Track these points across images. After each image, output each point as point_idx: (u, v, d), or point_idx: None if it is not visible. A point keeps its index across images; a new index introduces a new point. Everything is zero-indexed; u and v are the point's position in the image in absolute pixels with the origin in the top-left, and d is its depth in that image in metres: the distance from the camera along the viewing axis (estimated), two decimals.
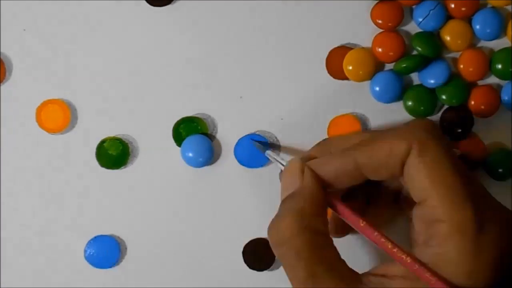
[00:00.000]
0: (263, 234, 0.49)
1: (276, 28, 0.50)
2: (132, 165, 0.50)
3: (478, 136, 0.50)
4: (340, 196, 0.44)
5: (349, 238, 0.48)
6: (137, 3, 0.50)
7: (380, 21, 0.49)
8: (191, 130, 0.50)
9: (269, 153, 0.47)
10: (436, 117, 0.49)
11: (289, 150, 0.50)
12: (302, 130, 0.50)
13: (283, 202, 0.43)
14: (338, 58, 0.50)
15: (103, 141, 0.50)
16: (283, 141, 0.50)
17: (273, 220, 0.42)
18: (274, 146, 0.49)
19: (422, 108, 0.49)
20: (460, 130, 0.49)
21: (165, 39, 0.50)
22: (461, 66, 0.49)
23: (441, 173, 0.40)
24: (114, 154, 0.50)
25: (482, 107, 0.49)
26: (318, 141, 0.48)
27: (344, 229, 0.47)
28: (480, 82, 0.50)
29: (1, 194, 0.50)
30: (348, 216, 0.42)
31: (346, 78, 0.50)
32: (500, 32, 0.49)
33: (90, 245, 0.50)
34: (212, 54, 0.50)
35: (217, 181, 0.50)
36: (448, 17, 0.49)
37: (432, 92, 0.49)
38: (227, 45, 0.50)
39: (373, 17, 0.49)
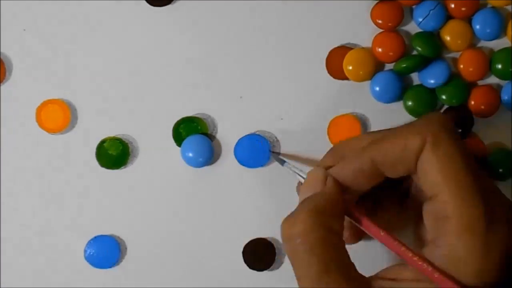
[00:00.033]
0: (263, 234, 0.49)
1: (276, 28, 0.50)
2: (132, 165, 0.50)
3: (478, 136, 0.50)
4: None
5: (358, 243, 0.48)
6: (137, 3, 0.50)
7: (380, 21, 0.49)
8: (191, 130, 0.50)
9: (288, 165, 0.47)
10: None
11: (290, 156, 0.50)
12: (302, 130, 0.50)
13: (302, 201, 0.42)
14: (338, 58, 0.50)
15: (103, 141, 0.50)
16: (283, 141, 0.50)
17: (289, 214, 0.41)
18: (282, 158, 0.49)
19: (422, 108, 0.49)
20: (460, 130, 0.49)
21: (165, 39, 0.50)
22: (461, 66, 0.49)
23: (454, 168, 0.40)
24: (114, 154, 0.50)
25: (482, 107, 0.49)
26: (318, 141, 0.48)
27: (355, 237, 0.47)
28: (480, 82, 0.50)
29: (1, 194, 0.50)
30: (362, 219, 0.42)
31: (346, 78, 0.50)
32: (500, 32, 0.49)
33: (90, 245, 0.50)
34: (212, 54, 0.50)
35: (217, 181, 0.50)
36: (448, 17, 0.49)
37: (432, 92, 0.49)
38: (227, 45, 0.50)
39: (373, 17, 0.49)
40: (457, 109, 0.49)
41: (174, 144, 0.50)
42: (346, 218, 0.45)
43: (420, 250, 0.41)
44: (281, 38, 0.50)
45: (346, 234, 0.46)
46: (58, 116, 0.50)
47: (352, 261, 0.41)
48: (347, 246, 0.41)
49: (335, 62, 0.50)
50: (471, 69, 0.49)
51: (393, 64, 0.49)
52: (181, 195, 0.50)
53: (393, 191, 0.45)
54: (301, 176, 0.45)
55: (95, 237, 0.50)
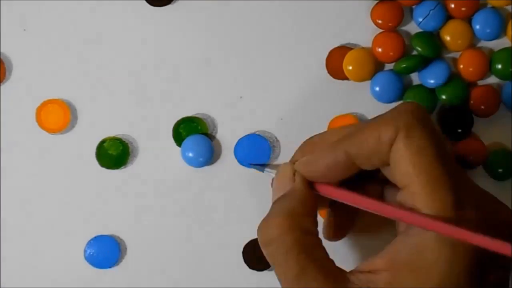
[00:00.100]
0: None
1: (276, 28, 0.50)
2: (132, 165, 0.50)
3: (478, 136, 0.50)
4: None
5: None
6: (137, 3, 0.50)
7: (380, 21, 0.49)
8: (191, 130, 0.50)
9: (267, 170, 0.47)
10: (436, 117, 0.49)
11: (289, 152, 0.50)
12: (302, 130, 0.50)
13: (274, 203, 0.43)
14: (338, 58, 0.50)
15: (103, 141, 0.50)
16: (283, 141, 0.50)
17: (262, 220, 0.42)
18: (271, 166, 0.49)
19: None
20: (460, 130, 0.49)
21: (165, 39, 0.50)
22: (461, 66, 0.49)
23: (424, 159, 0.40)
24: (114, 154, 0.50)
25: (482, 107, 0.49)
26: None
27: (339, 232, 0.47)
28: (480, 82, 0.50)
29: (1, 194, 0.50)
30: (350, 196, 0.42)
31: (346, 78, 0.50)
32: (500, 32, 0.49)
33: (90, 245, 0.50)
34: (212, 54, 0.50)
35: (217, 181, 0.50)
36: (448, 17, 0.49)
37: (432, 92, 0.49)
38: (227, 45, 0.50)
39: (373, 17, 0.49)
40: (457, 109, 0.49)
41: (174, 144, 0.50)
42: (329, 215, 0.45)
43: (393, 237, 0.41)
44: (281, 38, 0.50)
45: (329, 231, 0.47)
46: (58, 116, 0.50)
47: (336, 255, 0.42)
48: (330, 243, 0.42)
49: (335, 62, 0.50)
50: (471, 69, 0.49)
51: (393, 64, 0.49)
52: (181, 195, 0.50)
53: (374, 180, 0.45)
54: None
55: (95, 237, 0.50)
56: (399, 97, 0.49)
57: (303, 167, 0.43)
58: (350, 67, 0.49)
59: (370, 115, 0.50)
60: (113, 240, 0.50)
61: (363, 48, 0.50)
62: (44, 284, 0.50)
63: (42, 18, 0.50)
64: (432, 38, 0.49)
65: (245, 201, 0.50)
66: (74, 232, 0.50)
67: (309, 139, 0.46)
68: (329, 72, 0.50)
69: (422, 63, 0.48)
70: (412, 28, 0.50)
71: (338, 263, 0.42)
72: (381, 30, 0.49)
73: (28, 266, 0.50)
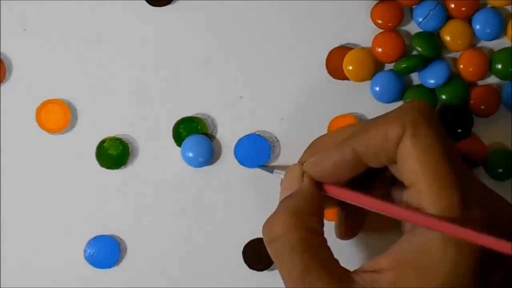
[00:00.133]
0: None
1: (276, 28, 0.50)
2: (132, 165, 0.50)
3: (478, 136, 0.50)
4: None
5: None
6: (137, 3, 0.50)
7: (380, 21, 0.49)
8: (191, 130, 0.50)
9: (276, 172, 0.47)
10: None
11: (289, 152, 0.50)
12: (302, 130, 0.50)
13: (281, 202, 0.43)
14: (338, 58, 0.50)
15: (103, 141, 0.50)
16: (283, 141, 0.50)
17: (268, 218, 0.42)
18: (278, 167, 0.49)
19: None
20: (460, 130, 0.49)
21: (165, 39, 0.50)
22: (461, 66, 0.49)
23: (431, 157, 0.40)
24: (114, 154, 0.50)
25: (482, 107, 0.49)
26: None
27: (351, 231, 0.47)
28: (480, 82, 0.50)
29: (1, 194, 0.50)
30: (357, 196, 0.42)
31: (346, 78, 0.50)
32: (500, 32, 0.49)
33: (90, 245, 0.50)
34: (212, 54, 0.50)
35: (217, 181, 0.50)
36: (448, 17, 0.49)
37: (432, 92, 0.49)
38: (227, 45, 0.50)
39: (373, 17, 0.49)
40: (457, 109, 0.49)
41: (174, 144, 0.50)
42: (340, 215, 0.45)
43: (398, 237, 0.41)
44: (281, 38, 0.50)
45: (340, 230, 0.47)
46: (58, 116, 0.50)
47: (341, 255, 0.42)
48: (334, 241, 0.42)
49: (335, 62, 0.50)
50: (471, 69, 0.49)
51: (393, 64, 0.49)
52: (181, 195, 0.50)
53: (381, 179, 0.45)
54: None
55: (95, 237, 0.50)
56: (399, 97, 0.49)
57: (311, 168, 0.43)
58: (350, 67, 0.49)
59: (370, 115, 0.50)
60: (113, 240, 0.50)
61: (363, 48, 0.50)
62: (44, 284, 0.50)
63: (42, 18, 0.50)
64: (432, 38, 0.49)
65: (245, 201, 0.50)
66: (74, 232, 0.50)
67: (316, 139, 0.46)
68: (329, 72, 0.50)
69: (422, 63, 0.48)
70: (412, 28, 0.50)
71: (342, 263, 0.42)
72: (381, 30, 0.49)
73: (28, 266, 0.50)
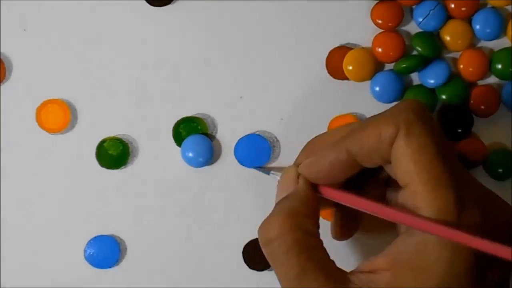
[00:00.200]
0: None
1: (276, 28, 0.50)
2: (132, 165, 0.50)
3: (478, 136, 0.50)
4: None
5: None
6: (137, 3, 0.50)
7: (380, 21, 0.49)
8: (191, 130, 0.50)
9: (273, 173, 0.47)
10: (436, 117, 0.49)
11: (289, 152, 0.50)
12: (302, 130, 0.50)
13: (276, 204, 0.43)
14: (338, 58, 0.50)
15: (103, 141, 0.50)
16: (283, 141, 0.50)
17: (265, 219, 0.42)
18: (275, 168, 0.49)
19: None
20: (460, 130, 0.49)
21: (165, 39, 0.50)
22: (461, 66, 0.49)
23: (426, 157, 0.40)
24: (114, 154, 0.50)
25: (482, 107, 0.49)
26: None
27: (347, 232, 0.47)
28: (480, 82, 0.50)
29: (1, 194, 0.50)
30: (351, 198, 0.42)
31: (346, 78, 0.50)
32: (500, 32, 0.49)
33: (90, 245, 0.50)
34: (212, 54, 0.50)
35: (217, 181, 0.50)
36: (448, 17, 0.49)
37: (432, 92, 0.49)
38: (227, 45, 0.50)
39: (373, 17, 0.49)
40: (457, 109, 0.49)
41: (174, 144, 0.50)
42: (336, 215, 0.45)
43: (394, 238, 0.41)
44: (281, 38, 0.50)
45: (336, 231, 0.47)
46: (58, 116, 0.50)
47: (337, 256, 0.42)
48: (331, 242, 0.41)
49: (335, 62, 0.50)
50: (471, 69, 0.49)
51: (393, 64, 0.49)
52: (181, 195, 0.50)
53: (376, 180, 0.45)
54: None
55: (95, 237, 0.50)
56: (399, 97, 0.49)
57: (306, 169, 0.43)
58: (350, 67, 0.49)
59: (370, 115, 0.49)
60: (113, 240, 0.50)
61: (363, 48, 0.50)
62: (44, 284, 0.50)
63: (42, 18, 0.50)
64: (432, 38, 0.49)
65: (245, 201, 0.50)
66: (74, 232, 0.50)
67: (311, 140, 0.46)
68: (329, 72, 0.50)
69: (422, 63, 0.48)
70: (412, 28, 0.50)
71: (338, 264, 0.42)
72: (381, 30, 0.49)
73: (28, 266, 0.50)
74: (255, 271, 0.50)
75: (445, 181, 0.39)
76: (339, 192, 0.43)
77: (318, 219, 0.43)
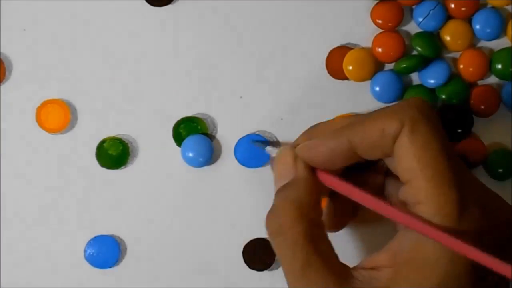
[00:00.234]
0: (263, 234, 0.49)
1: (276, 28, 0.50)
2: (132, 165, 0.50)
3: (478, 136, 0.50)
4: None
5: (340, 232, 0.48)
6: (137, 3, 0.50)
7: (380, 21, 0.49)
8: (191, 130, 0.50)
9: (269, 149, 0.47)
10: None
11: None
12: (302, 130, 0.49)
13: (279, 191, 0.42)
14: (338, 58, 0.50)
15: (103, 141, 0.50)
16: (283, 141, 0.50)
17: (270, 209, 0.42)
18: (274, 144, 0.49)
19: None
20: (460, 130, 0.49)
21: (165, 39, 0.50)
22: (461, 66, 0.49)
23: (429, 154, 0.40)
24: (114, 154, 0.50)
25: (482, 107, 0.49)
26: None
27: (339, 223, 0.47)
28: (480, 82, 0.50)
29: (1, 194, 0.50)
30: (347, 187, 0.42)
31: (346, 78, 0.50)
32: (500, 32, 0.49)
33: (90, 245, 0.50)
34: (212, 54, 0.50)
35: (217, 181, 0.50)
36: (448, 17, 0.49)
37: (432, 92, 0.49)
38: (227, 45, 0.50)
39: (373, 17, 0.49)
40: (457, 109, 0.49)
41: (174, 144, 0.50)
42: (329, 206, 0.45)
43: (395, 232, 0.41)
44: (281, 38, 0.50)
45: (328, 221, 0.47)
46: (58, 116, 0.50)
47: (340, 250, 0.42)
48: (334, 238, 0.41)
49: (335, 62, 0.50)
50: (471, 69, 0.49)
51: (393, 64, 0.49)
52: (181, 195, 0.50)
53: (376, 168, 0.45)
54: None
55: (95, 237, 0.50)
56: (399, 97, 0.49)
57: (305, 151, 0.43)
58: (350, 67, 0.49)
59: None
60: (113, 240, 0.50)
61: (363, 48, 0.50)
62: (44, 284, 0.50)
63: (42, 18, 0.50)
64: (432, 38, 0.49)
65: (245, 201, 0.50)
66: (74, 232, 0.50)
67: (312, 126, 0.46)
68: (329, 72, 0.50)
69: (422, 63, 0.48)
70: (412, 28, 0.50)
71: (340, 259, 0.42)
72: (381, 30, 0.49)
73: (28, 266, 0.50)
74: (255, 271, 0.50)
75: (449, 179, 0.39)
76: (336, 180, 0.42)
77: (321, 207, 0.42)
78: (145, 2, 0.50)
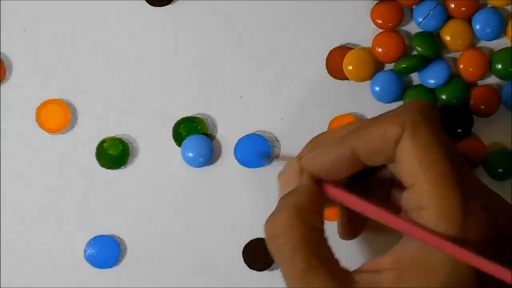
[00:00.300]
0: (263, 234, 0.49)
1: (276, 28, 0.50)
2: (132, 165, 0.50)
3: (478, 136, 0.50)
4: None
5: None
6: (137, 3, 0.50)
7: (380, 21, 0.49)
8: (191, 130, 0.50)
9: (275, 162, 0.47)
10: None
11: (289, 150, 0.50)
12: (302, 130, 0.50)
13: (281, 198, 0.43)
14: (338, 58, 0.50)
15: (103, 141, 0.50)
16: (283, 141, 0.50)
17: (270, 215, 0.42)
18: (277, 157, 0.49)
19: None
20: (460, 130, 0.49)
21: (165, 39, 0.50)
22: (461, 66, 0.49)
23: (431, 157, 0.40)
24: (114, 154, 0.50)
25: (482, 107, 0.49)
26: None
27: (354, 231, 0.47)
28: (480, 82, 0.50)
29: (1, 194, 0.50)
30: (354, 200, 0.42)
31: (346, 78, 0.50)
32: (500, 32, 0.49)
33: (90, 245, 0.50)
34: (212, 54, 0.50)
35: (217, 181, 0.50)
36: (448, 17, 0.49)
37: (432, 92, 0.49)
38: (227, 45, 0.50)
39: (373, 17, 0.49)
40: (457, 109, 0.49)
41: (174, 144, 0.50)
42: (342, 214, 0.45)
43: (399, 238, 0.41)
44: (281, 38, 0.50)
45: (343, 230, 0.47)
46: (58, 116, 0.50)
47: (341, 255, 0.41)
48: (333, 241, 0.42)
49: (335, 62, 0.50)
50: (471, 69, 0.49)
51: (393, 64, 0.49)
52: (181, 195, 0.50)
53: (382, 179, 0.45)
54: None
55: (95, 237, 0.50)
56: (399, 97, 0.49)
57: (309, 162, 0.43)
58: (350, 67, 0.49)
59: (370, 115, 0.50)
60: (113, 240, 0.50)
61: (363, 48, 0.50)
62: (44, 284, 0.50)
63: (42, 18, 0.50)
64: (432, 38, 0.49)
65: (245, 201, 0.50)
66: (74, 232, 0.50)
67: (316, 136, 0.46)
68: (329, 72, 0.50)
69: (422, 63, 0.48)
70: (412, 28, 0.50)
71: (342, 263, 0.42)
72: (381, 30, 0.49)
73: (28, 266, 0.50)
74: (255, 271, 0.50)
75: (452, 181, 0.39)
76: (341, 192, 0.42)
77: (323, 214, 0.42)
78: (145, 2, 0.50)
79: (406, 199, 0.41)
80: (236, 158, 0.50)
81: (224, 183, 0.50)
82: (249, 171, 0.50)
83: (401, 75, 0.49)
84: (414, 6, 0.49)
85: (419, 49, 0.48)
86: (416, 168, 0.40)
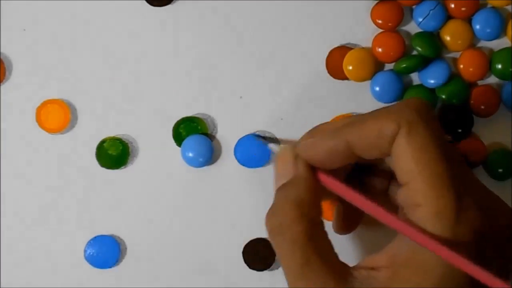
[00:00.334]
0: (263, 234, 0.49)
1: (276, 28, 0.50)
2: (132, 165, 0.50)
3: (478, 136, 0.50)
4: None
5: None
6: (137, 3, 0.50)
7: (380, 21, 0.49)
8: (191, 130, 0.50)
9: (271, 146, 0.47)
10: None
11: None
12: (302, 130, 0.49)
13: (279, 190, 0.42)
14: (338, 58, 0.50)
15: (103, 141, 0.50)
16: (285, 138, 0.50)
17: (270, 208, 0.42)
18: (276, 141, 0.49)
19: None
20: (460, 130, 0.49)
21: (165, 39, 0.50)
22: (461, 66, 0.49)
23: (427, 156, 0.40)
24: (114, 154, 0.50)
25: (482, 107, 0.49)
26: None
27: (348, 226, 0.47)
28: (480, 82, 0.50)
29: (1, 194, 0.50)
30: (343, 189, 0.42)
31: (346, 78, 0.50)
32: (500, 32, 0.49)
33: (90, 245, 0.50)
34: (212, 54, 0.50)
35: (217, 181, 0.50)
36: (448, 17, 0.49)
37: (432, 92, 0.49)
38: (227, 45, 0.50)
39: (373, 17, 0.49)
40: (457, 109, 0.49)
41: (174, 144, 0.50)
42: (337, 208, 0.45)
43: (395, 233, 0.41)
44: (281, 38, 0.50)
45: (338, 224, 0.47)
46: (58, 116, 0.50)
47: (340, 249, 0.42)
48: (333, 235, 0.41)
49: (335, 62, 0.50)
50: (471, 69, 0.49)
51: (393, 64, 0.49)
52: (181, 195, 0.50)
53: (380, 172, 0.45)
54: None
55: (95, 237, 0.50)
56: (399, 97, 0.49)
57: (304, 150, 0.43)
58: (350, 67, 0.49)
59: None
60: (113, 240, 0.50)
61: (363, 48, 0.50)
62: (44, 284, 0.50)
63: (42, 18, 0.50)
64: (432, 38, 0.49)
65: (245, 201, 0.50)
66: (74, 232, 0.50)
67: (316, 126, 0.46)
68: (329, 72, 0.50)
69: (422, 63, 0.48)
70: (412, 28, 0.50)
71: (340, 259, 0.42)
72: (381, 30, 0.49)
73: (28, 266, 0.50)
74: (255, 271, 0.50)
75: (447, 181, 0.39)
76: (334, 181, 0.42)
77: (321, 206, 0.42)
78: (145, 2, 0.50)
79: (402, 195, 0.41)
80: (236, 158, 0.50)
81: (224, 183, 0.50)
82: (249, 171, 0.50)
83: (401, 75, 0.49)
84: (414, 6, 0.49)
85: (419, 49, 0.48)
86: (412, 167, 0.40)
